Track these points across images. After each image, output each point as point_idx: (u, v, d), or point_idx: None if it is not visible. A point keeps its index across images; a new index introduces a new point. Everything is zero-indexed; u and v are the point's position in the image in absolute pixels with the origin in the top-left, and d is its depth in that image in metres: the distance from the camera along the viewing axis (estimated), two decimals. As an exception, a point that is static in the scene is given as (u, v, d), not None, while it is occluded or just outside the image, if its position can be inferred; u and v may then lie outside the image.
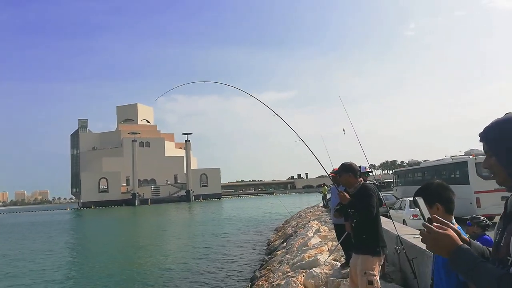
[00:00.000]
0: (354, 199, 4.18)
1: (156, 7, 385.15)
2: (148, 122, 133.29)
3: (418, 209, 1.54)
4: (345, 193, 4.23)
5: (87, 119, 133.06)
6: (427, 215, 1.49)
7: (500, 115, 1.42)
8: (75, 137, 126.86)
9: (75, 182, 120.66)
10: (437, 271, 2.04)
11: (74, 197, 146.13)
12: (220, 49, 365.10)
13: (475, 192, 14.62)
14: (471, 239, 1.54)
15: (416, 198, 1.58)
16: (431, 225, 1.40)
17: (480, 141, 1.42)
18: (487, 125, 1.41)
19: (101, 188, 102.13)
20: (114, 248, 22.35)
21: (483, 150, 1.43)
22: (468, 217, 5.11)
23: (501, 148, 1.34)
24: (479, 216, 5.02)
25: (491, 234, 4.58)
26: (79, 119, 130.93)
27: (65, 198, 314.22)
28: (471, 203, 14.68)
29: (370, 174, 6.92)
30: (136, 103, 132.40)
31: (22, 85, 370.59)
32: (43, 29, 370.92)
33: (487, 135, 1.38)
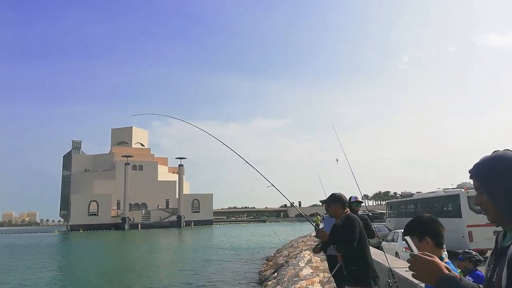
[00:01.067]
0: (333, 234, 4.27)
1: (154, 31, 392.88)
2: (142, 145, 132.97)
3: (408, 246, 1.54)
4: (324, 231, 4.42)
5: (80, 141, 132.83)
6: (415, 250, 1.51)
7: (492, 148, 1.45)
8: (67, 158, 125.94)
9: (65, 204, 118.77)
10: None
11: (62, 220, 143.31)
12: (219, 74, 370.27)
13: (468, 226, 14.58)
14: (461, 276, 1.54)
15: (405, 237, 1.59)
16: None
17: (470, 177, 1.45)
18: (476, 162, 1.43)
19: (91, 211, 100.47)
20: (98, 273, 21.74)
21: (473, 187, 1.45)
22: (460, 251, 5.09)
23: (492, 186, 1.35)
24: (471, 251, 5.00)
25: (483, 270, 4.56)
26: (72, 140, 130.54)
27: (53, 221, 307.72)
28: (463, 236, 14.62)
29: (362, 204, 6.91)
30: (131, 126, 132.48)
31: (16, 106, 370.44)
32: (39, 51, 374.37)
33: (477, 172, 1.41)
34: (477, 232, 14.23)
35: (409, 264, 1.40)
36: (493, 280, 1.32)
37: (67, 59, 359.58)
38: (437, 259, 1.37)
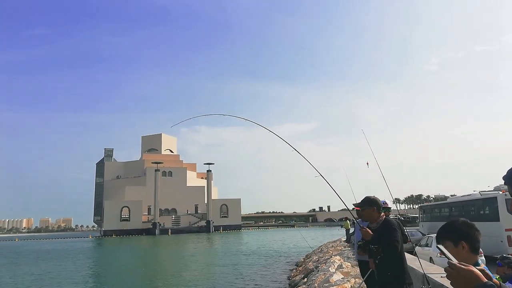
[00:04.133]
0: (376, 235, 4.07)
1: (182, 41, 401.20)
2: (171, 151, 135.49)
3: (443, 254, 1.53)
4: (368, 229, 4.14)
5: (112, 148, 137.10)
6: (452, 258, 1.50)
7: None
8: (100, 165, 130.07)
9: (98, 210, 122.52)
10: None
11: (96, 225, 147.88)
12: (247, 82, 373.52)
13: (506, 230, 13.98)
14: (501, 283, 1.51)
15: (439, 245, 1.58)
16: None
17: (505, 183, 1.43)
18: (510, 168, 1.41)
19: (123, 216, 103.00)
20: (131, 278, 22.27)
21: (509, 193, 1.43)
22: (498, 256, 4.90)
23: None
24: (509, 256, 4.80)
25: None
26: (105, 148, 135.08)
27: (87, 226, 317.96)
28: (501, 241, 14.01)
29: (391, 209, 6.75)
30: (161, 133, 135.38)
31: (51, 116, 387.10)
32: (74, 63, 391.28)
33: (510, 179, 1.39)
34: (517, 236, 13.61)
35: (445, 273, 1.41)
36: None
37: (98, 70, 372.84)
38: (474, 268, 1.36)
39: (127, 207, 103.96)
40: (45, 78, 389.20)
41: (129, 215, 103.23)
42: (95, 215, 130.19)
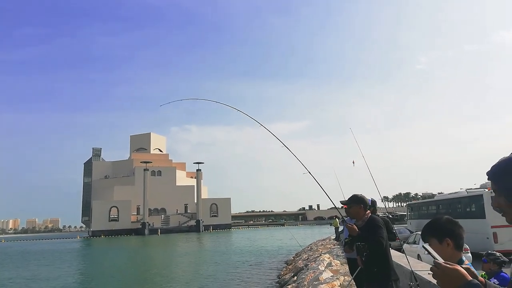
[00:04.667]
0: (362, 232, 4.14)
1: (175, 41, 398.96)
2: (160, 151, 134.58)
3: (428, 253, 1.54)
4: (354, 225, 4.21)
5: (101, 148, 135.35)
6: (437, 257, 1.50)
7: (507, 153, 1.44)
8: (88, 165, 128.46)
9: (86, 210, 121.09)
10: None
11: (84, 226, 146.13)
12: (240, 81, 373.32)
13: (492, 227, 14.19)
14: (487, 280, 1.52)
15: (424, 245, 1.58)
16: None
17: (488, 179, 1.44)
18: (494, 164, 1.43)
19: (111, 217, 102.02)
20: (121, 278, 22.07)
21: (491, 189, 1.45)
22: (484, 252, 4.98)
23: (510, 187, 1.35)
24: (494, 252, 4.88)
25: (508, 271, 4.44)
26: (93, 148, 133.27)
27: (75, 227, 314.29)
28: (487, 238, 14.24)
29: (377, 207, 6.80)
30: (150, 133, 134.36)
31: (39, 115, 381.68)
32: (63, 62, 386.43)
33: (495, 174, 1.40)
34: (502, 233, 13.84)
35: (431, 272, 1.42)
36: None
37: (86, 70, 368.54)
38: (458, 267, 1.37)
39: (115, 207, 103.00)
40: (33, 78, 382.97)
41: (118, 215, 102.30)
42: (83, 215, 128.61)
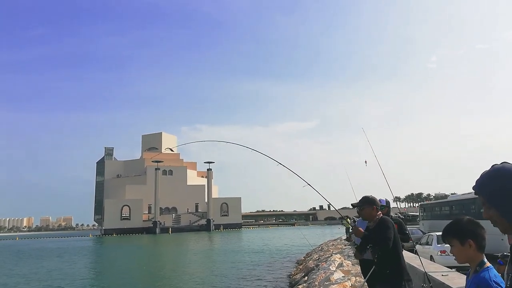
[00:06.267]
0: (369, 234, 4.21)
1: (179, 40, 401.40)
2: (171, 150, 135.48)
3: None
4: (359, 228, 4.32)
5: (113, 147, 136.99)
6: None
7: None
8: (100, 164, 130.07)
9: (99, 209, 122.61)
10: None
11: (97, 224, 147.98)
12: (247, 80, 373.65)
13: (507, 228, 13.99)
14: None
15: None
16: None
17: (475, 194, 1.47)
18: (478, 178, 1.47)
19: (123, 215, 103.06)
20: (133, 276, 22.31)
21: (481, 203, 1.48)
22: (499, 254, 4.91)
23: (497, 200, 1.41)
24: (509, 253, 4.82)
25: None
26: (105, 147, 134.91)
27: (88, 225, 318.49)
28: (502, 239, 13.99)
29: (387, 207, 6.73)
30: (161, 132, 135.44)
31: (53, 115, 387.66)
32: (73, 62, 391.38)
33: (480, 189, 1.44)
34: (517, 234, 13.63)
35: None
36: None
37: (96, 69, 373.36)
38: None
39: (127, 205, 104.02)
40: (45, 78, 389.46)
41: (130, 214, 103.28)
42: (95, 214, 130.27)
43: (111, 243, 65.23)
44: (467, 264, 2.15)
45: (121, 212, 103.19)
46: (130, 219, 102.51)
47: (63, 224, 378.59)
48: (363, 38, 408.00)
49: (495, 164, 1.47)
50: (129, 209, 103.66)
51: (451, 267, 7.53)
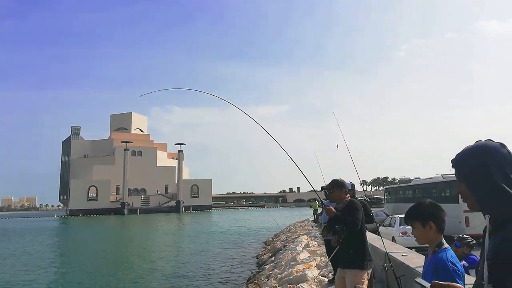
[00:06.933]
0: (341, 214, 4.29)
1: (158, 20, 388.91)
2: (141, 131, 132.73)
3: (420, 282, 1.51)
4: (331, 207, 4.37)
5: (80, 126, 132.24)
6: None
7: (490, 137, 1.45)
8: (67, 144, 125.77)
9: (64, 189, 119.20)
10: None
11: (62, 205, 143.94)
12: (221, 62, 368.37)
13: (464, 211, 14.68)
14: None
15: (416, 279, 1.54)
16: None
17: (452, 167, 1.46)
18: (459, 152, 1.45)
19: (90, 196, 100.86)
20: (97, 257, 21.92)
21: (455, 177, 1.47)
22: (455, 237, 5.12)
23: (471, 176, 1.40)
24: (465, 236, 5.05)
25: (477, 254, 4.59)
26: (72, 126, 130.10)
27: (52, 205, 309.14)
28: (460, 222, 14.74)
29: (355, 190, 6.91)
30: (131, 112, 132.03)
31: (17, 92, 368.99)
32: (39, 38, 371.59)
33: (458, 163, 1.43)
34: (474, 217, 14.35)
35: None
36: (479, 268, 1.38)
37: (66, 45, 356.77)
38: (452, 284, 1.37)
39: (94, 186, 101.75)
40: (9, 54, 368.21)
41: (97, 195, 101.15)
42: (60, 194, 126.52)
43: (77, 223, 63.80)
44: (427, 245, 2.25)
45: (88, 193, 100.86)
46: (97, 200, 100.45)
47: (26, 204, 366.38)
48: (339, 27, 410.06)
49: (479, 140, 1.45)
50: (96, 190, 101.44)
51: (411, 248, 7.84)
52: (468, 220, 14.61)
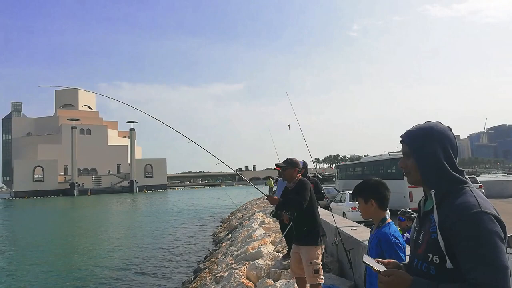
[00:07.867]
0: (283, 200, 4.50)
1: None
2: (90, 108, 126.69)
3: (368, 262, 1.52)
4: (273, 197, 4.60)
5: (21, 103, 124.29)
6: (378, 267, 1.47)
7: (435, 116, 1.58)
8: (7, 121, 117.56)
9: (7, 170, 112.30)
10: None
11: (5, 186, 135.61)
12: (171, 38, 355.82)
13: (408, 187, 15.69)
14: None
15: (364, 260, 1.59)
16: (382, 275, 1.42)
17: (401, 142, 1.59)
18: (409, 129, 1.58)
19: (36, 176, 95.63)
20: (45, 241, 21.04)
21: (401, 151, 1.60)
22: (399, 211, 5.50)
23: (420, 151, 1.51)
24: (408, 210, 5.44)
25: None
26: (12, 102, 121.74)
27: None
28: (404, 196, 15.75)
29: (307, 167, 7.15)
30: (77, 88, 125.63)
31: None
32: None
33: (409, 138, 1.55)
34: (417, 192, 15.38)
35: (380, 282, 1.41)
36: (419, 241, 1.49)
37: (5, 16, 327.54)
38: (396, 272, 1.39)
39: (40, 166, 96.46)
40: None
41: (43, 175, 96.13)
42: (3, 175, 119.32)
43: (22, 206, 60.53)
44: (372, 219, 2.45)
45: (34, 174, 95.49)
46: (44, 181, 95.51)
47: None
48: (295, 6, 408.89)
49: (429, 121, 1.57)
50: (43, 170, 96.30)
51: (359, 222, 8.31)
52: (412, 195, 15.65)
